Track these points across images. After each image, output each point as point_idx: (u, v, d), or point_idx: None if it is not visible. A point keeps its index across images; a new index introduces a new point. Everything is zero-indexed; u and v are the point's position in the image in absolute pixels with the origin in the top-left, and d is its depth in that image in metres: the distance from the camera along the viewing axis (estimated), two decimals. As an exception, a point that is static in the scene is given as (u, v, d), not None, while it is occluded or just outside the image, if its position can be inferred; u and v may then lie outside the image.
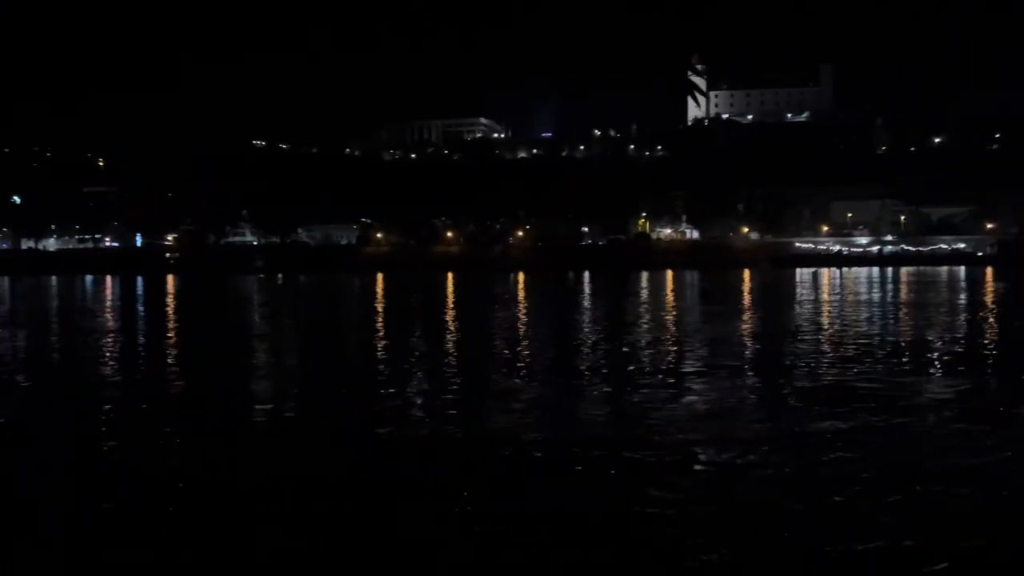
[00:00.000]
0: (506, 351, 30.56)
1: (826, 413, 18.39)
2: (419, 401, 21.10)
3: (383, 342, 35.45)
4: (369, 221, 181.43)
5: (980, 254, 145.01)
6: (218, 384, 24.49)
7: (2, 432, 18.28)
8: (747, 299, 61.21)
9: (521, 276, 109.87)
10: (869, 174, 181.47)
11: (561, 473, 14.28)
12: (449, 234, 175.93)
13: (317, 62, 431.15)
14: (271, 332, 41.20)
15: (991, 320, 42.29)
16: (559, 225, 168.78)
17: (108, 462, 15.46)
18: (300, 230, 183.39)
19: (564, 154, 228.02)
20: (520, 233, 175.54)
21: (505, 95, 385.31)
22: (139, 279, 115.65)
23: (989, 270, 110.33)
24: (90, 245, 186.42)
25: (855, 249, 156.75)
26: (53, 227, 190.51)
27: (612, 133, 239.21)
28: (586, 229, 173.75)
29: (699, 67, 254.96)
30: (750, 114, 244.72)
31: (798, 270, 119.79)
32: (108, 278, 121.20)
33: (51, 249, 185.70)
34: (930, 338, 32.91)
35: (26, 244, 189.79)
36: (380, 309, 56.93)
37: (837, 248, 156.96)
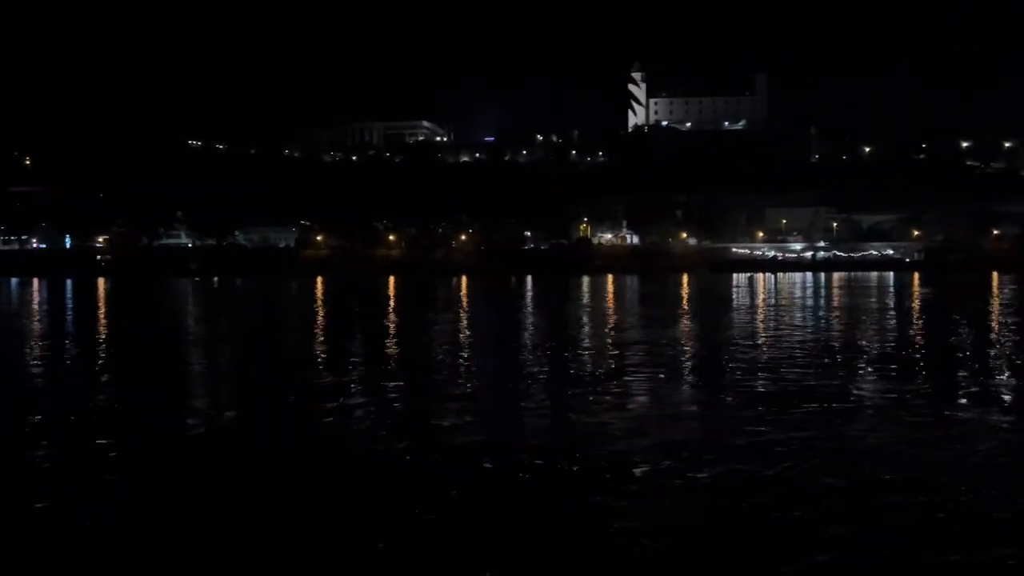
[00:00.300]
0: (447, 356, 30.36)
1: (764, 415, 18.68)
2: (358, 407, 20.76)
3: (321, 347, 34.85)
4: (308, 223, 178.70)
5: (908, 260, 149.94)
6: (144, 394, 23.71)
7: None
8: (686, 304, 62.11)
9: (463, 280, 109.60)
10: (803, 182, 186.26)
11: (501, 481, 14.16)
12: (391, 237, 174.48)
13: (256, 63, 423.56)
14: (204, 337, 40.15)
15: (920, 324, 43.72)
16: (502, 229, 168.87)
17: (36, 473, 14.79)
18: (237, 232, 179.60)
19: (507, 158, 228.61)
20: (463, 237, 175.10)
21: (447, 98, 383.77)
22: (68, 282, 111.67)
23: (916, 276, 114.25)
24: (16, 247, 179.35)
25: (789, 254, 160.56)
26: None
27: (554, 138, 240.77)
28: (529, 233, 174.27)
29: (639, 75, 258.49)
30: (688, 122, 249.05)
31: (735, 275, 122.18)
32: (35, 280, 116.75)
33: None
34: (863, 341, 33.83)
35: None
36: (319, 313, 56.06)
37: (772, 254, 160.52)
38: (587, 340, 36.17)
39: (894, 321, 44.99)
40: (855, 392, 21.99)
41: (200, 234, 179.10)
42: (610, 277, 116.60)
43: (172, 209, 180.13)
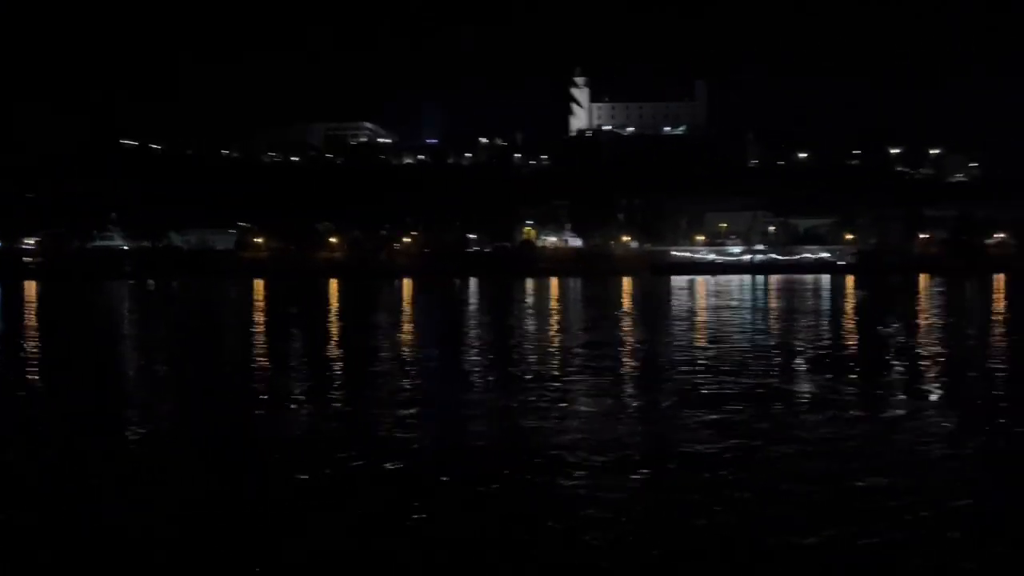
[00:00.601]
0: (389, 361, 30.03)
1: (705, 415, 18.91)
2: (298, 410, 20.35)
3: (259, 352, 34.14)
4: (247, 225, 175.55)
5: (842, 263, 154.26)
6: (75, 399, 22.85)
7: None
8: (628, 307, 62.72)
9: (407, 283, 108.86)
10: (741, 186, 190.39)
11: (443, 485, 14.00)
12: (332, 239, 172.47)
13: (194, 64, 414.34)
14: (137, 342, 38.98)
15: (855, 325, 44.92)
16: (446, 232, 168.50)
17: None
18: (173, 234, 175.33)
19: (450, 161, 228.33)
20: (406, 239, 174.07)
21: (390, 101, 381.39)
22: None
23: (850, 278, 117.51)
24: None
25: (728, 257, 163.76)
26: None
27: (498, 141, 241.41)
28: (473, 236, 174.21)
29: (581, 80, 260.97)
30: (630, 126, 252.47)
31: (675, 278, 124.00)
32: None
33: None
34: (800, 342, 34.57)
35: None
36: (257, 317, 54.99)
37: (712, 257, 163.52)
38: (531, 343, 36.19)
39: (829, 322, 46.13)
40: (794, 390, 22.42)
41: (135, 236, 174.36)
42: (554, 280, 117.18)
43: (106, 210, 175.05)
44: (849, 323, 46.07)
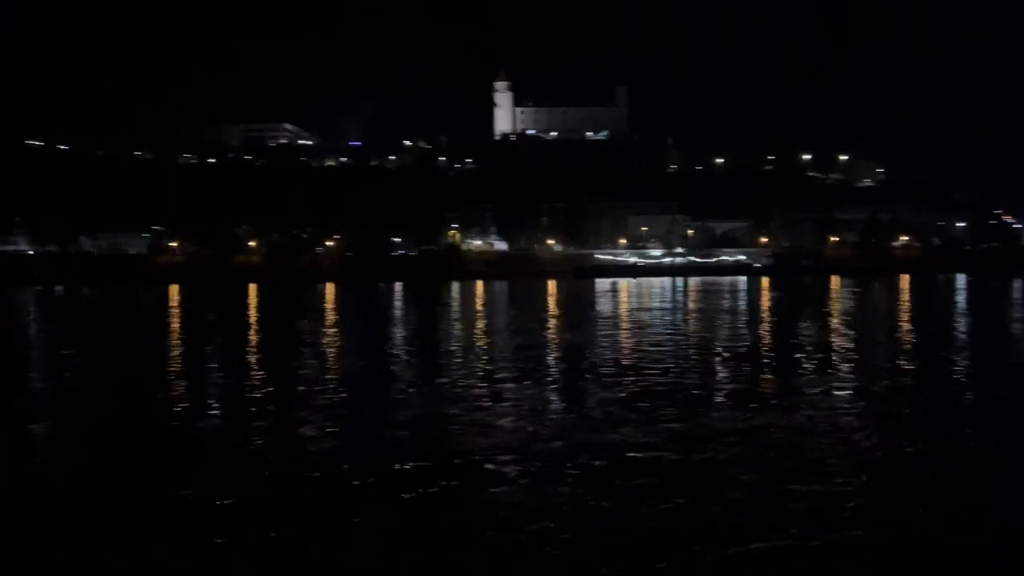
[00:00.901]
0: (309, 366, 29.51)
1: (629, 415, 19.21)
2: (218, 418, 19.81)
3: (172, 358, 33.07)
4: (162, 229, 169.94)
5: (758, 265, 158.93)
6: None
7: None
8: (553, 309, 63.22)
9: (329, 287, 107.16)
10: (661, 190, 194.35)
11: (366, 493, 13.84)
12: (252, 243, 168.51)
13: (104, 62, 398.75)
14: (44, 351, 37.28)
15: (772, 324, 46.32)
16: (369, 235, 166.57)
17: None
18: (83, 238, 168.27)
19: (374, 163, 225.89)
20: (329, 243, 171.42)
21: (310, 102, 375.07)
22: None
23: (766, 280, 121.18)
24: None
25: (649, 260, 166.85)
26: None
27: (422, 144, 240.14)
28: (398, 239, 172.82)
29: (504, 84, 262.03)
30: (554, 131, 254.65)
31: (598, 280, 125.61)
32: None
33: None
34: (719, 342, 35.47)
35: None
36: (172, 323, 53.27)
37: (633, 259, 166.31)
38: (457, 346, 36.10)
39: (746, 322, 47.47)
40: (713, 389, 22.98)
41: (41, 240, 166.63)
42: (480, 283, 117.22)
43: (10, 214, 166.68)
44: (765, 323, 47.51)
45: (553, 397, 22.36)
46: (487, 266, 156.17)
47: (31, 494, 13.86)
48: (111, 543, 11.45)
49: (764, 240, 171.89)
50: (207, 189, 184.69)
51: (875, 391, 22.87)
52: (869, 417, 19.22)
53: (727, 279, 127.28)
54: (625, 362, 28.81)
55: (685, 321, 48.44)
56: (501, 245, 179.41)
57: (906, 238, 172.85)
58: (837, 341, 35.88)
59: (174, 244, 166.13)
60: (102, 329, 50.96)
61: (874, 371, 26.59)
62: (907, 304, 63.77)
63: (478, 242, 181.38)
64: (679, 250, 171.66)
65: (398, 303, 74.28)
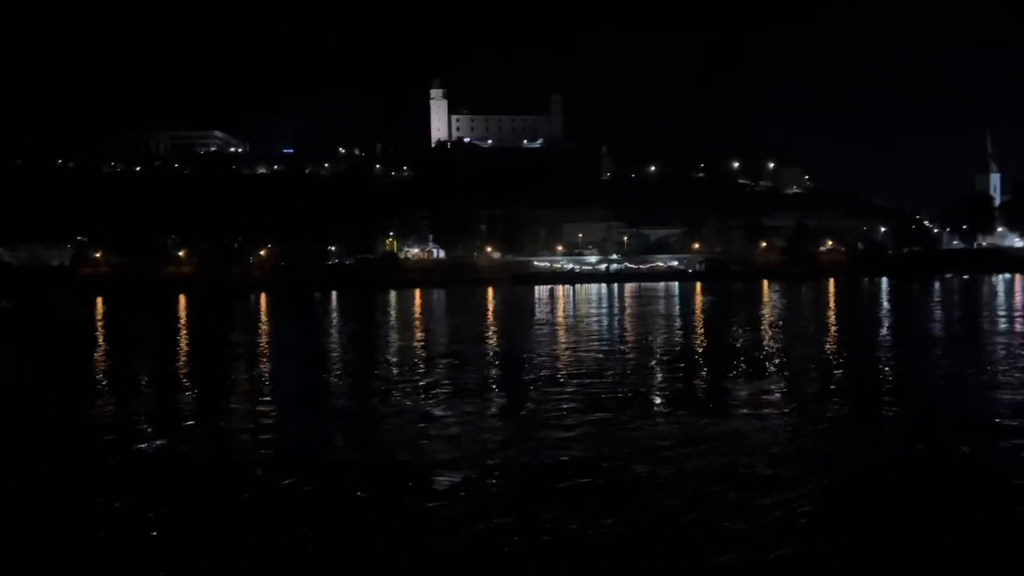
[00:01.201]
0: (240, 378, 28.84)
1: (566, 420, 19.28)
2: (144, 430, 19.16)
3: (96, 371, 31.91)
4: (85, 239, 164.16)
5: (691, 271, 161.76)
6: None
7: None
8: (491, 317, 63.22)
9: (263, 297, 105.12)
10: (597, 198, 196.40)
11: (293, 505, 13.56)
12: (181, 253, 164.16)
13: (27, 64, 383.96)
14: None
15: (706, 329, 47.16)
16: (303, 244, 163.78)
17: None
18: (2, 250, 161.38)
19: (307, 171, 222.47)
20: (261, 252, 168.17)
21: (242, 108, 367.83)
22: None
23: (699, 285, 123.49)
24: None
25: (586, 267, 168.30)
26: None
27: (356, 152, 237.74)
28: (332, 248, 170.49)
29: (439, 91, 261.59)
30: (490, 139, 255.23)
31: (536, 287, 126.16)
32: None
33: None
34: (655, 347, 35.94)
35: None
36: (96, 336, 51.46)
37: (570, 266, 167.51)
38: (394, 356, 35.76)
39: (681, 326, 48.27)
40: (649, 395, 23.24)
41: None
42: (417, 291, 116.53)
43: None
44: (700, 328, 48.36)
45: (492, 406, 22.29)
46: (425, 274, 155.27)
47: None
48: (47, 563, 10.95)
49: (696, 246, 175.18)
50: (133, 198, 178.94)
51: (811, 395, 23.46)
52: (806, 421, 19.69)
53: (662, 284, 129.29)
54: (564, 369, 28.95)
55: (622, 327, 48.97)
56: (439, 253, 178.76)
57: (832, 243, 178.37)
58: (769, 344, 36.73)
59: (99, 255, 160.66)
60: (25, 343, 48.87)
61: (807, 375, 27.29)
62: (834, 307, 65.75)
63: (415, 250, 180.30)
64: (615, 256, 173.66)
65: (334, 313, 73.26)
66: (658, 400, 22.44)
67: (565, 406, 21.46)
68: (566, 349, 36.06)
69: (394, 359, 33.94)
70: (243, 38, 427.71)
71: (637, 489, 13.92)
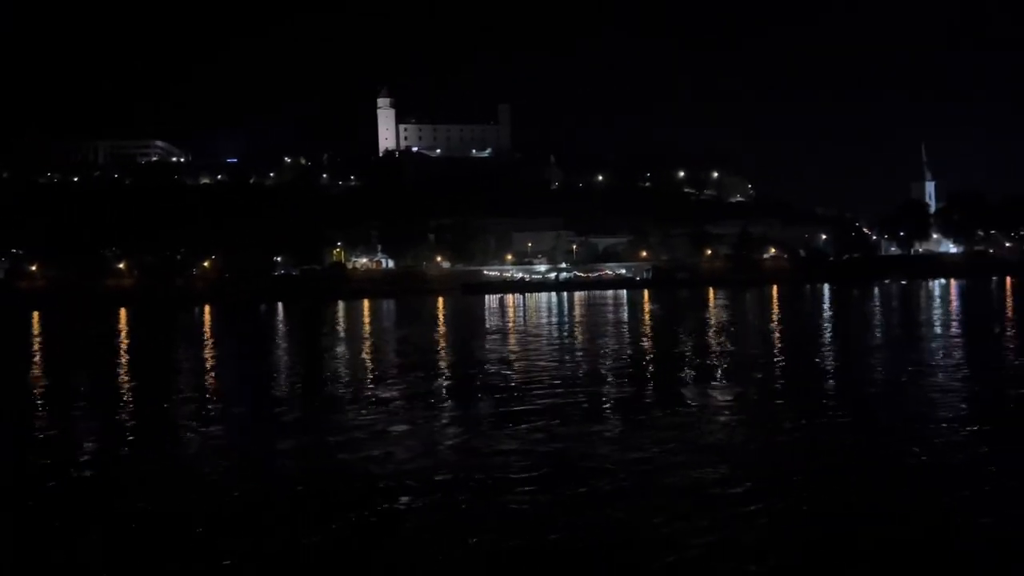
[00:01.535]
0: (184, 393, 28.23)
1: (514, 429, 19.30)
2: (83, 448, 18.61)
3: (32, 387, 30.88)
4: (21, 252, 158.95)
5: (638, 279, 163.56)
6: None
7: None
8: (441, 327, 63.00)
9: (207, 309, 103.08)
10: (545, 207, 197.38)
11: (240, 516, 13.31)
12: (121, 266, 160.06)
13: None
14: None
15: (654, 336, 47.68)
16: (249, 255, 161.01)
17: None
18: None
19: (252, 181, 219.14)
20: (205, 264, 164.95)
21: (184, 117, 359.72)
22: None
23: (646, 292, 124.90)
24: None
25: (535, 276, 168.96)
26: None
27: (302, 161, 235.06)
28: (279, 259, 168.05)
29: (386, 101, 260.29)
30: (438, 148, 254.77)
31: (487, 296, 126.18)
32: None
33: None
34: (604, 355, 36.20)
35: None
36: (32, 351, 49.84)
37: (520, 275, 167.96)
38: (342, 367, 35.36)
39: (629, 334, 48.73)
40: (601, 403, 23.38)
41: None
42: (366, 302, 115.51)
43: None
44: (648, 334, 48.88)
45: (444, 416, 22.19)
46: (373, 284, 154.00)
47: None
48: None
49: (644, 254, 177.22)
50: (71, 209, 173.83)
51: (759, 399, 23.88)
52: (755, 425, 20.02)
53: (610, 293, 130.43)
54: (517, 378, 28.97)
55: (573, 335, 49.24)
56: (388, 263, 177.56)
57: (775, 251, 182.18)
58: (716, 350, 37.31)
59: (35, 267, 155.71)
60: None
61: (754, 380, 27.77)
62: (778, 314, 67.10)
63: (364, 260, 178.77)
64: (564, 265, 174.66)
65: (280, 325, 72.19)
66: (610, 407, 22.59)
67: (518, 415, 21.47)
68: (518, 358, 36.10)
69: (343, 371, 33.56)
70: (187, 47, 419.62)
71: (592, 497, 13.98)
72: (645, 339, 45.52)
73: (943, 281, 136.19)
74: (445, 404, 24.09)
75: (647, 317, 66.56)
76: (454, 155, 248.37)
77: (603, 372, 30.20)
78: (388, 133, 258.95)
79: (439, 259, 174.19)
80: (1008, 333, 43.42)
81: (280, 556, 11.65)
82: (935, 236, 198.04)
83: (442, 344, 46.16)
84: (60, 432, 21.27)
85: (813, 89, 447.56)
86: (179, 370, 35.62)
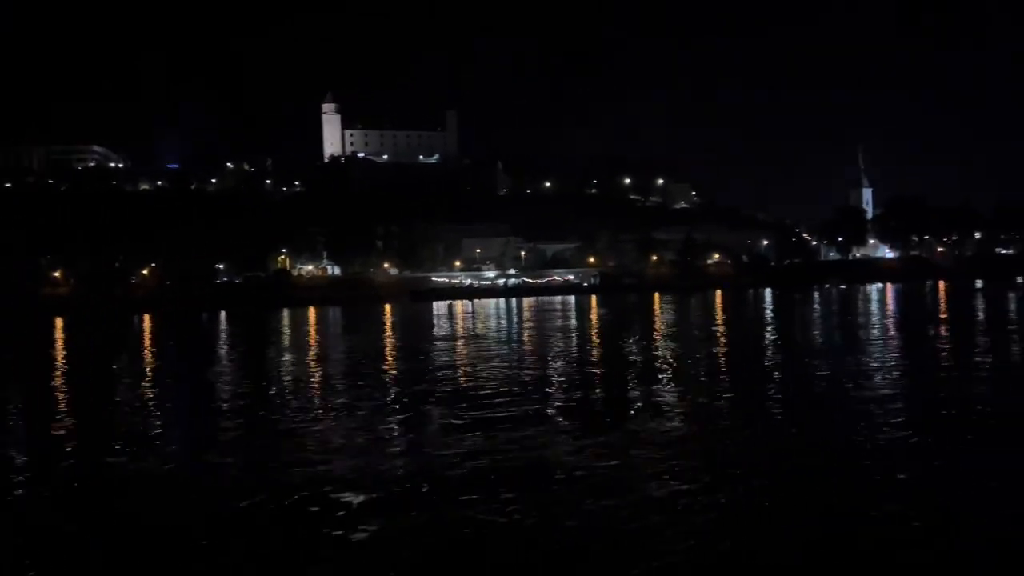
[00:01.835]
0: (123, 404, 27.41)
1: (464, 438, 19.16)
2: (13, 463, 17.90)
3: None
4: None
5: (586, 284, 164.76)
6: None
7: None
8: (388, 334, 62.45)
9: (147, 318, 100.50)
10: (493, 214, 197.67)
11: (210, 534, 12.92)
12: (57, 274, 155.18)
13: None
14: None
15: (602, 341, 47.98)
16: (190, 262, 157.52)
17: None
18: None
19: (194, 187, 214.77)
20: (145, 271, 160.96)
21: (123, 122, 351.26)
22: None
23: (594, 298, 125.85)
24: None
25: (484, 282, 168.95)
26: None
27: (246, 167, 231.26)
28: (221, 266, 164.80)
29: (332, 106, 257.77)
30: (385, 154, 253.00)
31: (435, 303, 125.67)
32: None
33: None
34: (552, 361, 36.27)
35: None
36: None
37: (469, 282, 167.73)
38: (287, 376, 34.74)
39: (577, 339, 48.95)
40: (551, 407, 23.38)
41: None
42: (312, 309, 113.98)
43: None
44: (596, 339, 49.18)
45: (392, 424, 21.93)
46: (319, 292, 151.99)
47: None
48: None
49: (591, 260, 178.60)
50: (3, 216, 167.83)
51: (705, 400, 24.16)
52: (701, 425, 20.22)
53: (559, 298, 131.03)
54: (466, 385, 28.81)
55: (522, 341, 49.25)
56: (335, 270, 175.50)
57: (718, 256, 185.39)
58: (663, 354, 37.69)
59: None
60: None
61: (699, 382, 28.11)
62: (722, 317, 68.19)
63: (309, 267, 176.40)
64: (512, 271, 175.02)
65: (223, 333, 70.73)
66: (560, 412, 22.58)
67: (467, 421, 21.33)
68: (467, 364, 35.94)
69: (287, 380, 32.96)
70: (126, 48, 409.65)
71: (545, 503, 13.91)
72: (594, 344, 45.77)
73: (880, 285, 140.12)
74: (393, 412, 23.81)
75: (596, 322, 66.97)
76: (401, 161, 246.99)
77: (553, 377, 30.23)
78: (333, 139, 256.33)
79: (387, 266, 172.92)
80: (943, 335, 44.84)
81: (223, 572, 11.32)
82: (872, 241, 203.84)
83: (390, 351, 45.73)
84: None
85: (753, 93, 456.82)
86: (114, 381, 34.57)
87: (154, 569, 11.44)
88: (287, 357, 44.25)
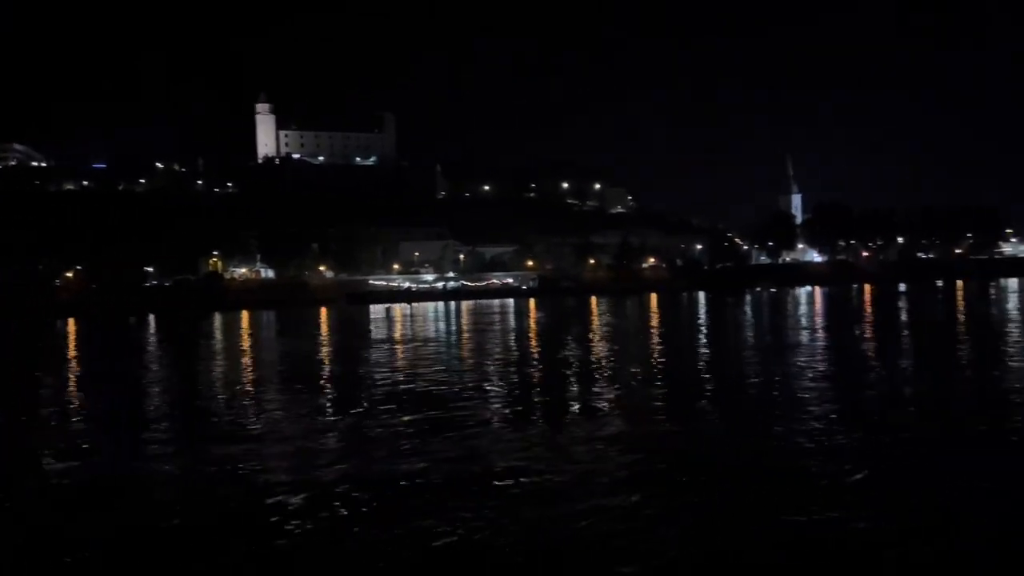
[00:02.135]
0: (45, 411, 26.31)
1: (406, 444, 18.93)
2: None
3: None
4: None
5: (524, 288, 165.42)
6: None
7: None
8: (323, 338, 61.52)
9: (71, 323, 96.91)
10: (432, 216, 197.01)
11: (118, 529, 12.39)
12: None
13: None
14: None
15: (541, 343, 48.10)
16: (117, 265, 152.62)
17: None
18: None
19: (121, 187, 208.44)
20: (69, 274, 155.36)
21: (45, 119, 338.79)
22: None
23: (532, 301, 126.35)
24: None
25: (423, 285, 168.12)
26: None
27: (176, 167, 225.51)
28: (150, 269, 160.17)
29: (266, 107, 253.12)
30: (320, 155, 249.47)
31: (372, 306, 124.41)
32: None
33: None
34: (488, 364, 36.17)
35: None
36: None
37: (407, 285, 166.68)
38: (216, 382, 33.85)
39: (516, 342, 48.98)
40: (490, 409, 23.25)
41: None
42: (245, 313, 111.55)
43: None
44: (535, 342, 49.29)
45: (328, 429, 21.51)
46: (252, 295, 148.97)
47: None
48: None
49: (530, 263, 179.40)
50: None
51: (641, 400, 24.36)
52: (640, 424, 20.36)
53: (497, 302, 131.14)
54: (403, 388, 28.47)
55: (461, 344, 49.05)
56: (269, 273, 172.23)
57: (653, 260, 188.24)
58: (600, 355, 37.96)
59: None
60: None
61: (636, 382, 28.35)
62: (657, 320, 69.13)
63: (242, 270, 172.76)
64: (451, 275, 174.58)
65: (151, 338, 68.63)
66: (500, 414, 22.47)
67: (405, 425, 21.06)
68: (404, 367, 35.57)
69: (218, 386, 32.10)
70: (48, 39, 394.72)
71: (483, 506, 13.77)
72: (533, 347, 45.85)
73: (808, 288, 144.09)
74: (328, 416, 23.37)
75: (534, 325, 67.16)
76: (337, 163, 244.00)
77: (492, 379, 30.11)
78: (267, 139, 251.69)
79: (323, 268, 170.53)
80: (866, 336, 46.29)
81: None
82: (801, 246, 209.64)
83: (324, 355, 44.99)
84: None
85: (689, 99, 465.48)
86: (34, 390, 33.16)
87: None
88: (218, 362, 43.12)
